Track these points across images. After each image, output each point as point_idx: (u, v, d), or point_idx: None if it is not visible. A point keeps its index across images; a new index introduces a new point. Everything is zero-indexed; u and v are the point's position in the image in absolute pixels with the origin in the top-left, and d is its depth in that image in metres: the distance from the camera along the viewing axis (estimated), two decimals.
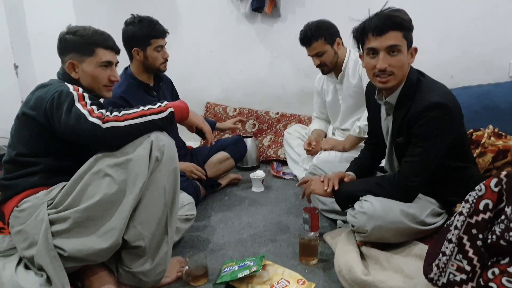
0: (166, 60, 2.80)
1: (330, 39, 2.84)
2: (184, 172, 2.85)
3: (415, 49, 1.98)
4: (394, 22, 1.88)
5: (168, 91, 3.05)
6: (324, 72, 2.99)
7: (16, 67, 3.59)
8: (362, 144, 2.84)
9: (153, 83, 2.88)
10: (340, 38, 2.90)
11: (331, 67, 2.93)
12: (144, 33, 2.66)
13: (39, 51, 3.63)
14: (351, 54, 2.93)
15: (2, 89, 3.49)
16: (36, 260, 1.68)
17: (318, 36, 2.80)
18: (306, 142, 3.11)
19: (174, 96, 3.10)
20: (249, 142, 3.64)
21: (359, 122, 2.86)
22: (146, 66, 2.77)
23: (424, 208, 2.00)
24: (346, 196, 2.12)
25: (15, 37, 3.55)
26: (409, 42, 1.94)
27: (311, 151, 3.06)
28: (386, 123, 2.16)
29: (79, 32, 1.92)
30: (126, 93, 2.67)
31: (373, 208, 1.93)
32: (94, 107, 1.72)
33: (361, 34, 1.98)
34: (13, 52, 3.55)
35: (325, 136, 3.30)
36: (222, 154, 3.22)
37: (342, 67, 2.94)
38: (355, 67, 2.91)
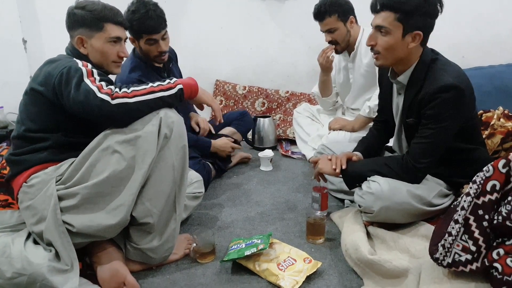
0: (161, 53, 2.58)
1: (343, 16, 2.81)
2: (223, 151, 2.91)
3: (419, 34, 1.91)
4: (387, 3, 1.87)
5: (177, 71, 2.96)
6: (337, 52, 2.94)
7: (24, 41, 3.57)
8: (371, 124, 2.82)
9: (162, 66, 2.75)
10: (354, 17, 2.87)
11: (344, 46, 2.90)
12: (135, 26, 2.47)
13: (48, 25, 3.61)
14: (365, 33, 2.90)
15: (11, 64, 3.47)
16: (44, 235, 1.70)
17: (331, 12, 2.77)
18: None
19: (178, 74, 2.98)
20: (266, 122, 3.64)
21: (369, 102, 2.84)
22: (143, 56, 2.63)
23: (431, 189, 2.00)
24: (353, 175, 2.12)
25: (24, 12, 3.53)
26: (409, 26, 1.89)
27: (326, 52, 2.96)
28: (397, 102, 2.15)
29: (88, 6, 1.90)
30: (143, 77, 2.53)
31: (380, 189, 1.93)
32: (103, 83, 1.71)
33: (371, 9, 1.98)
34: (21, 26, 3.53)
35: (330, 94, 3.23)
36: (228, 130, 3.24)
37: (354, 46, 2.92)
38: (368, 48, 2.88)
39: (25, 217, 1.80)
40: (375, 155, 2.34)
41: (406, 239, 1.90)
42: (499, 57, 3.46)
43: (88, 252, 1.86)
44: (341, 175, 2.17)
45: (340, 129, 2.99)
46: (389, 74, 2.11)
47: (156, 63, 2.68)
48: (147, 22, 2.45)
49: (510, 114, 2.57)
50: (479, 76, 3.23)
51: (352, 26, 2.87)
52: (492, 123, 2.51)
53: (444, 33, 3.31)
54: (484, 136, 2.41)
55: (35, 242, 1.77)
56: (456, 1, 3.37)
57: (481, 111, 2.60)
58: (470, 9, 3.49)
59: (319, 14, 2.80)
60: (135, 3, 2.48)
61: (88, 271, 1.83)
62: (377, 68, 2.41)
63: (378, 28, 1.93)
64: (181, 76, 2.94)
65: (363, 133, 2.78)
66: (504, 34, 3.49)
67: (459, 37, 3.53)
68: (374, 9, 1.93)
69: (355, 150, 2.33)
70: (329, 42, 2.89)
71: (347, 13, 2.83)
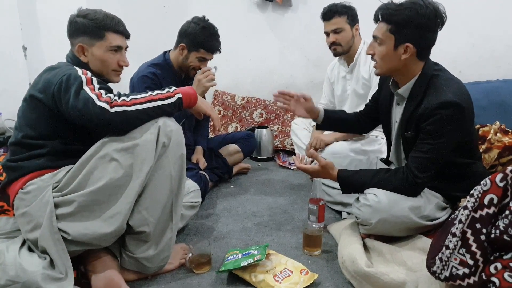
0: (198, 69, 2.71)
1: (351, 20, 2.87)
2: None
3: (409, 47, 1.92)
4: (383, 14, 1.94)
5: None
6: (335, 53, 2.96)
7: (24, 49, 3.58)
8: (368, 134, 2.84)
9: (183, 76, 2.86)
10: (359, 26, 2.91)
11: (345, 49, 2.92)
12: (199, 39, 2.66)
13: (49, 33, 3.63)
14: (365, 46, 2.92)
15: (10, 71, 3.48)
16: (39, 243, 1.68)
17: (341, 12, 2.83)
18: (307, 149, 3.03)
19: None
20: (264, 132, 3.68)
21: None
22: (182, 64, 2.75)
23: (429, 203, 2.00)
24: (351, 185, 2.12)
25: (25, 19, 3.55)
26: (401, 37, 1.91)
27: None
28: (395, 112, 2.16)
29: (90, 15, 1.91)
30: (160, 74, 2.67)
31: (378, 201, 1.92)
32: (102, 91, 1.71)
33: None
34: (22, 33, 3.54)
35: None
36: (233, 147, 3.25)
37: (354, 57, 2.94)
38: (367, 59, 2.89)
39: (20, 224, 1.79)
40: (335, 123, 2.47)
41: (403, 252, 1.90)
42: (496, 72, 3.48)
43: (83, 260, 1.84)
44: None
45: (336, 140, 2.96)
46: (390, 84, 2.12)
47: (187, 75, 2.83)
48: (212, 42, 2.70)
49: (506, 129, 2.59)
50: (475, 91, 3.23)
51: (357, 34, 2.90)
52: (489, 137, 2.53)
53: (441, 49, 3.33)
54: (481, 150, 2.41)
55: (30, 250, 1.76)
56: (453, 17, 3.38)
57: (478, 126, 2.61)
58: (467, 25, 3.51)
59: (329, 13, 2.85)
60: (205, 20, 2.73)
61: (82, 280, 1.82)
62: (375, 77, 2.42)
63: (374, 38, 1.99)
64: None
65: (364, 145, 2.80)
66: (500, 49, 3.52)
67: (456, 53, 3.55)
68: (376, 20, 1.98)
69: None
70: (332, 44, 2.91)
71: (354, 18, 2.89)
